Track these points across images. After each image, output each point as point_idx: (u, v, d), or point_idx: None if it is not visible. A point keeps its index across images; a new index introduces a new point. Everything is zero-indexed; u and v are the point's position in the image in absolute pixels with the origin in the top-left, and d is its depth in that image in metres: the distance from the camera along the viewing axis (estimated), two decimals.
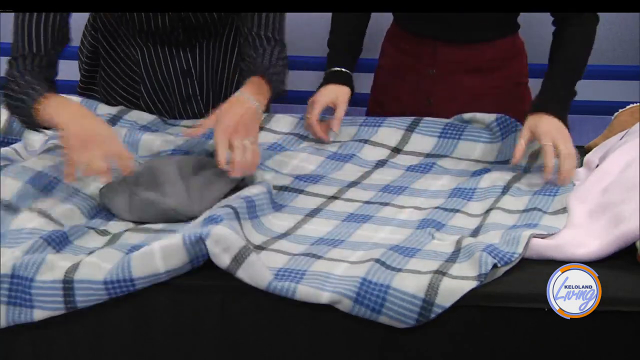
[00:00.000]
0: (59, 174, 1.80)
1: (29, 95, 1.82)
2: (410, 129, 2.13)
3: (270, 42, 2.03)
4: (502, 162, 2.05)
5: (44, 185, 1.79)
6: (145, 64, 2.23)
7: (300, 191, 1.91)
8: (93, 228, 1.74)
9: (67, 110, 1.80)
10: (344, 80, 2.20)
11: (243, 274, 1.55)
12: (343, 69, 2.21)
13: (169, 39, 2.19)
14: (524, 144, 1.94)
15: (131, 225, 1.76)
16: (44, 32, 1.90)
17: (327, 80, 2.20)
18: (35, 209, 1.74)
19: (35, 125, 1.85)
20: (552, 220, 1.74)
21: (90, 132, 1.76)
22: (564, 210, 1.77)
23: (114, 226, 1.76)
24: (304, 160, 2.05)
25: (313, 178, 1.98)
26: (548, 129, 1.94)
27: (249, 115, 1.88)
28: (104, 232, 1.73)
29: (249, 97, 1.91)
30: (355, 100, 2.26)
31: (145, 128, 2.15)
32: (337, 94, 2.15)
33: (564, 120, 1.98)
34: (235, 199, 1.73)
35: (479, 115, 2.14)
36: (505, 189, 1.90)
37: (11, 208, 1.72)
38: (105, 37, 2.25)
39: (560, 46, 2.09)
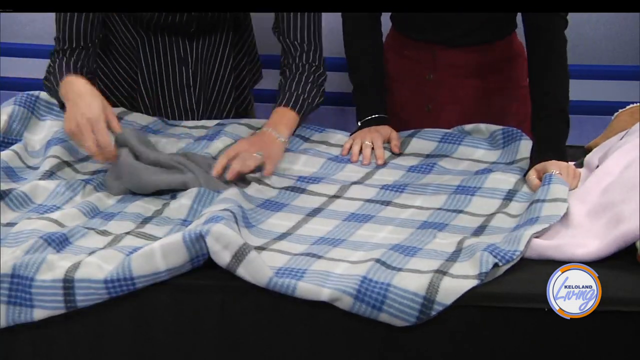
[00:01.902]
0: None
1: (56, 79, 1.99)
2: (410, 136, 2.14)
3: (304, 49, 2.13)
4: (503, 164, 2.05)
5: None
6: (144, 52, 2.24)
7: (302, 190, 1.91)
8: (93, 228, 1.74)
9: (70, 89, 1.94)
10: (383, 122, 2.19)
11: (243, 271, 1.55)
12: (381, 115, 2.20)
13: (180, 31, 2.20)
14: (537, 180, 1.91)
15: (132, 226, 1.76)
16: (84, 28, 2.06)
17: (365, 125, 2.19)
18: (33, 217, 1.75)
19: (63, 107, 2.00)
20: (551, 208, 1.74)
21: (81, 118, 1.88)
22: (564, 200, 1.77)
23: (115, 226, 1.76)
24: (305, 163, 2.05)
25: (315, 179, 1.98)
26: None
27: (273, 146, 2.00)
28: (104, 233, 1.73)
29: (272, 130, 2.02)
30: (347, 100, 2.26)
31: (147, 129, 2.15)
32: (389, 131, 2.15)
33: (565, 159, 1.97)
34: (232, 203, 1.73)
35: (482, 126, 2.14)
36: (512, 194, 1.89)
37: None
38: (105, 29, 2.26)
39: (538, 78, 2.04)
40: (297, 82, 2.11)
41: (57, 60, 2.05)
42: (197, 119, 2.30)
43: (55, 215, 1.75)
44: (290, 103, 2.08)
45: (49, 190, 1.86)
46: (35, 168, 2.00)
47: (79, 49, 2.06)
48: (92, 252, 1.62)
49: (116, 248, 1.64)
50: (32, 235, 1.66)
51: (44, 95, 2.17)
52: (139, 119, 2.19)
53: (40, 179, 1.90)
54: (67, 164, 1.99)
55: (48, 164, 1.96)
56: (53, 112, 2.16)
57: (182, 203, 1.80)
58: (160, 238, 1.69)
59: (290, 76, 2.12)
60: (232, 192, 1.81)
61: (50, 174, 1.93)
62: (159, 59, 2.25)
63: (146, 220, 1.78)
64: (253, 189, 1.90)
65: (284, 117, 2.07)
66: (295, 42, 2.13)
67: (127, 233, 1.72)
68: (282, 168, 2.02)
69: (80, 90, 1.92)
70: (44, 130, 2.13)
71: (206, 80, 2.31)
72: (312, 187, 1.93)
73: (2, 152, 2.00)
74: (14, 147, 2.04)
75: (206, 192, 1.82)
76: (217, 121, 2.23)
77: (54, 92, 2.03)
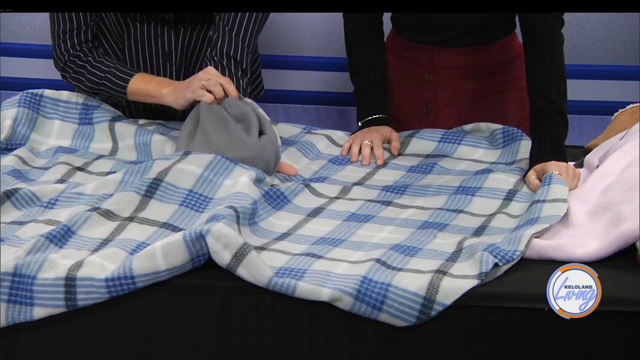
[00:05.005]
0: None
1: (114, 75, 2.12)
2: (410, 136, 2.14)
3: (235, 66, 2.12)
4: (503, 164, 2.05)
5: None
6: (129, 44, 2.23)
7: (306, 185, 1.90)
8: (97, 208, 1.71)
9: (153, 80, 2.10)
10: (384, 122, 2.20)
11: (243, 271, 1.55)
12: (382, 115, 2.21)
13: (158, 17, 2.20)
14: (536, 181, 1.91)
15: (137, 202, 1.74)
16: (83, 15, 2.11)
17: (366, 125, 2.19)
18: (41, 220, 1.74)
19: (119, 98, 2.16)
20: (551, 208, 1.75)
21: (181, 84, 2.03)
22: (564, 200, 1.77)
23: (118, 205, 1.73)
24: (308, 163, 2.05)
25: (317, 179, 1.98)
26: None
27: None
28: (108, 214, 1.71)
29: None
30: (347, 100, 2.25)
31: (141, 129, 2.14)
32: (389, 132, 2.16)
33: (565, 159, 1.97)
34: (237, 200, 1.73)
35: (482, 125, 2.14)
36: (512, 194, 1.90)
37: None
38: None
39: (535, 78, 2.03)
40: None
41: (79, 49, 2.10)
42: (181, 117, 2.30)
43: (60, 217, 1.74)
44: None
45: (57, 191, 1.85)
46: (42, 169, 1.99)
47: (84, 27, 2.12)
48: (95, 250, 1.62)
49: (120, 245, 1.63)
50: (35, 237, 1.65)
51: (48, 92, 2.15)
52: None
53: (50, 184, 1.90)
54: (79, 169, 1.99)
55: (60, 172, 1.96)
56: (60, 110, 2.14)
57: (190, 171, 1.78)
58: (165, 221, 1.69)
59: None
60: (244, 182, 1.79)
61: (62, 182, 1.92)
62: (143, 52, 2.24)
63: (149, 192, 1.75)
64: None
65: None
66: (231, 59, 2.14)
67: (131, 220, 1.70)
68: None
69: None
70: (53, 131, 2.11)
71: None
72: (315, 185, 1.92)
73: (5, 158, 1.99)
74: (16, 151, 2.02)
75: (221, 160, 1.82)
76: None
77: (107, 86, 2.12)
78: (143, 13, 2.19)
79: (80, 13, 2.12)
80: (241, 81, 2.10)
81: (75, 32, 2.13)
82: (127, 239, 1.66)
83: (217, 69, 2.08)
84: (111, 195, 1.77)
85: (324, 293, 1.52)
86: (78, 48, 2.15)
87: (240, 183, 1.78)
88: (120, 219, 1.71)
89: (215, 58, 2.11)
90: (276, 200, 1.83)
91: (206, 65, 2.12)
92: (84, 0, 2.06)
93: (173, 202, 1.75)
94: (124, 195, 1.74)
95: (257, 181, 1.83)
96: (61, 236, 1.65)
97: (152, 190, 1.75)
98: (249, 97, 2.10)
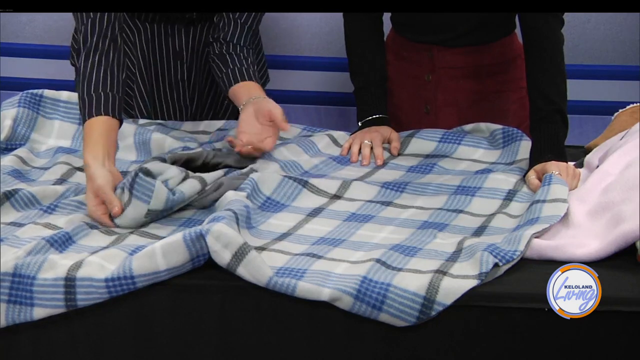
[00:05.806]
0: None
1: (86, 105, 1.84)
2: (410, 136, 2.14)
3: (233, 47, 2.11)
4: (503, 164, 2.05)
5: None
6: (141, 44, 2.23)
7: (305, 183, 1.90)
8: (97, 227, 1.73)
9: (90, 151, 1.80)
10: (384, 122, 2.20)
11: (243, 270, 1.55)
12: (382, 116, 2.21)
13: (178, 17, 2.19)
14: (536, 181, 1.91)
15: (137, 225, 1.75)
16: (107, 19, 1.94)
17: (366, 125, 2.20)
18: (40, 223, 1.74)
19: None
20: (551, 209, 1.75)
21: (93, 185, 1.76)
22: (564, 200, 1.77)
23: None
24: (307, 161, 2.05)
25: (317, 175, 1.98)
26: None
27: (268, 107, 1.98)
28: (108, 231, 1.72)
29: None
30: (347, 100, 2.24)
31: (146, 131, 2.15)
32: (389, 132, 2.16)
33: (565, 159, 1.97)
34: (236, 202, 1.73)
35: (482, 125, 2.14)
36: (512, 194, 1.90)
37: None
38: None
39: (535, 78, 2.03)
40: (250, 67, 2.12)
41: (83, 64, 1.91)
42: (191, 116, 2.29)
43: (59, 223, 1.74)
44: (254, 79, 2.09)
45: (57, 193, 1.86)
46: (41, 169, 1.99)
47: (106, 42, 1.92)
48: (94, 252, 1.62)
49: (119, 247, 1.64)
50: (35, 238, 1.66)
51: (48, 92, 2.15)
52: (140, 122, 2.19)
53: (50, 185, 1.90)
54: (79, 169, 1.99)
55: (59, 171, 1.96)
56: (59, 110, 2.14)
57: (183, 215, 1.80)
58: (165, 235, 1.69)
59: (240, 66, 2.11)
60: (237, 193, 1.80)
61: (61, 182, 1.93)
62: (154, 52, 2.25)
63: (149, 219, 1.77)
64: (259, 167, 1.89)
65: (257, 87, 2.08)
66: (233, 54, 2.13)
67: (131, 232, 1.72)
68: (284, 155, 2.03)
69: (99, 155, 1.79)
70: (53, 131, 2.12)
71: (201, 76, 2.30)
72: (314, 181, 1.92)
73: (5, 158, 1.99)
74: (16, 151, 2.03)
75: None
76: (219, 124, 2.22)
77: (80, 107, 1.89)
78: (155, 14, 2.19)
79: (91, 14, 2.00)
80: (244, 58, 2.09)
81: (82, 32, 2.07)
82: (127, 244, 1.66)
83: (225, 56, 2.08)
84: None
85: (324, 293, 1.52)
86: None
87: (231, 195, 1.80)
88: (120, 235, 1.72)
89: (221, 43, 2.11)
90: (274, 207, 1.83)
91: (211, 56, 2.12)
92: (85, 1, 2.05)
93: (172, 225, 1.77)
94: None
95: (252, 193, 1.84)
96: (62, 242, 1.65)
97: (151, 219, 1.78)
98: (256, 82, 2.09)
